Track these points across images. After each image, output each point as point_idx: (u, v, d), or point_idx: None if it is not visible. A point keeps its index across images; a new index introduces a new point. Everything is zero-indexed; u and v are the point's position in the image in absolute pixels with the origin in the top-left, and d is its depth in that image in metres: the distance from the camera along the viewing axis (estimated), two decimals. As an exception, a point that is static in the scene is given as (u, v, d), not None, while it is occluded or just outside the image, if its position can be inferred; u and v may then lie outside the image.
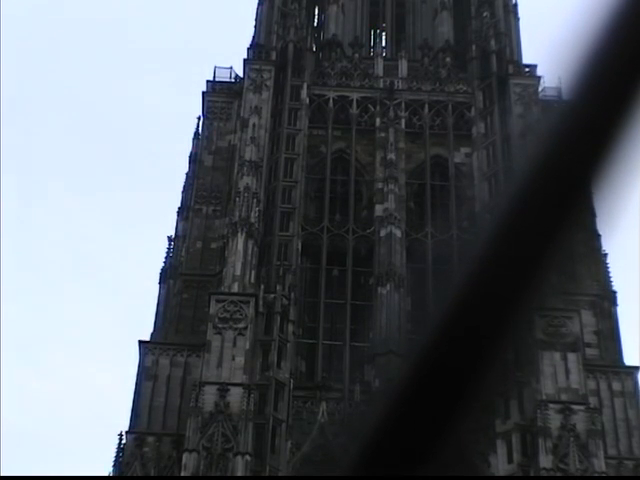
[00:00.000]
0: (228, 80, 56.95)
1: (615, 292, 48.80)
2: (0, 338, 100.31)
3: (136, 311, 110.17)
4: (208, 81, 56.72)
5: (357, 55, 56.81)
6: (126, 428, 44.10)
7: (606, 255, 48.68)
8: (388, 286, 46.53)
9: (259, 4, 60.14)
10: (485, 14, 57.18)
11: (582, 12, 1.88)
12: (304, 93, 53.39)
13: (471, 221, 50.31)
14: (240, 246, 45.91)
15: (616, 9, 1.88)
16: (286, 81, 53.49)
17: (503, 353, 1.91)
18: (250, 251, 46.00)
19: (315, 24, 62.63)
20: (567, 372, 42.93)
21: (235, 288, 44.59)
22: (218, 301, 43.92)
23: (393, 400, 1.93)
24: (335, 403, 43.91)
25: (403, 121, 53.35)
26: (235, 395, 41.16)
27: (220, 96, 56.18)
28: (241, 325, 43.20)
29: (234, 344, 42.72)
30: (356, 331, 47.02)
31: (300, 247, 48.42)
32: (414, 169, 52.17)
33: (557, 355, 42.93)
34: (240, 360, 42.36)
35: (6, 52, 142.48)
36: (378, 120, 53.25)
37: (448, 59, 56.24)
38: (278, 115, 52.36)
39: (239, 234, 46.18)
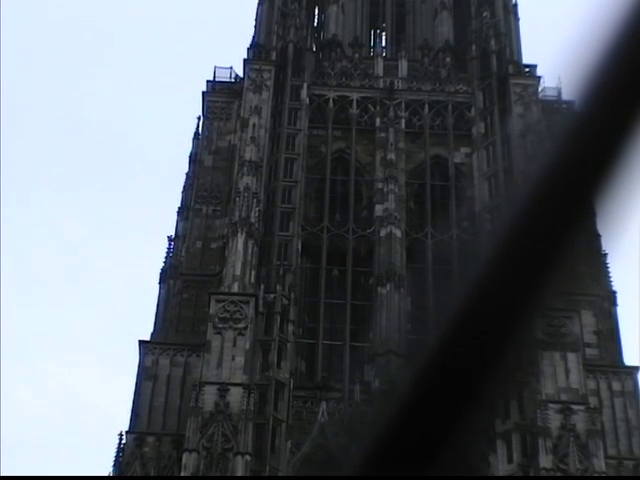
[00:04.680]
0: (228, 80, 56.92)
1: (615, 292, 48.78)
2: (0, 336, 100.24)
3: (136, 311, 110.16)
4: (208, 81, 56.70)
5: (357, 55, 56.76)
6: (126, 428, 44.12)
7: (606, 255, 48.58)
8: (388, 286, 46.52)
9: (259, 4, 60.11)
10: (485, 14, 57.16)
11: (582, 13, 1.88)
12: (304, 93, 53.37)
13: (471, 221, 50.33)
14: (240, 246, 45.90)
15: (617, 11, 1.88)
16: (286, 81, 53.47)
17: (504, 353, 1.91)
18: (250, 251, 45.98)
19: (315, 24, 62.64)
20: (567, 372, 42.92)
21: (235, 288, 44.58)
22: (218, 301, 43.90)
23: (393, 400, 1.93)
24: (335, 403, 43.88)
25: (403, 121, 53.33)
26: (235, 395, 41.16)
27: (220, 96, 56.14)
28: (241, 325, 43.19)
29: (234, 344, 42.72)
30: (356, 331, 47.00)
31: (300, 247, 48.40)
32: (414, 169, 52.16)
33: (557, 355, 42.91)
34: (240, 360, 42.35)
35: (5, 52, 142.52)
36: (378, 120, 53.23)
37: (448, 59, 56.20)
38: (278, 115, 52.34)
39: (239, 234, 46.17)
